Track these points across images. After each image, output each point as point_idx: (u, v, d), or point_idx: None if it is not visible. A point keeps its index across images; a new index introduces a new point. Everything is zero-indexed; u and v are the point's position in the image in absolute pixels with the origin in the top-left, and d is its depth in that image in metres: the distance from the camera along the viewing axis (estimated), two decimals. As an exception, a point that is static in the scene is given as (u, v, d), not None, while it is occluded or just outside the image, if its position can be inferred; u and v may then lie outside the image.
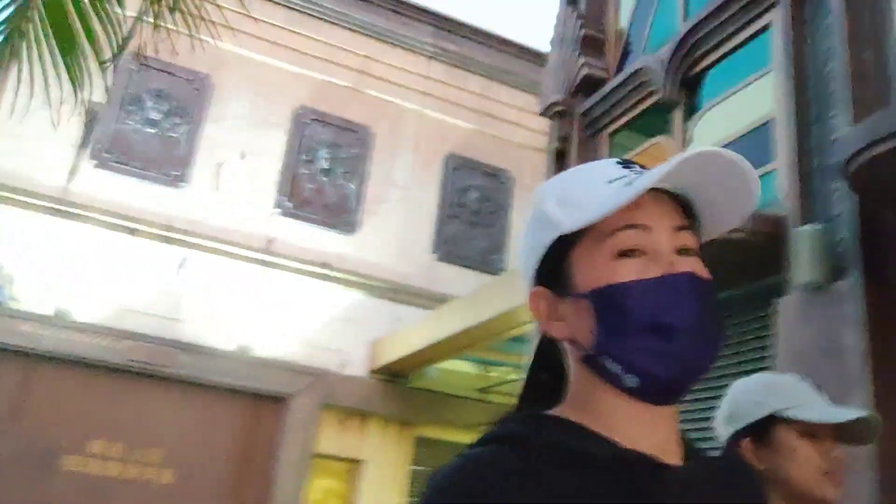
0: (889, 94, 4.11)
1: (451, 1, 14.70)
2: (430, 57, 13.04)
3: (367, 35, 12.59)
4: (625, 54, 6.93)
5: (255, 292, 10.70)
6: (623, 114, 6.51)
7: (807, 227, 4.04)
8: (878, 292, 3.76)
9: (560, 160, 6.96)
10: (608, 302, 0.75)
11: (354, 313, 11.29)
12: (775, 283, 4.34)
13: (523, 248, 0.85)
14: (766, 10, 5.02)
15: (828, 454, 1.47)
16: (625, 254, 0.76)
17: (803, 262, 3.97)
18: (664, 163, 0.74)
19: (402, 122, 12.57)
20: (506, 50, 13.56)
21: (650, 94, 6.10)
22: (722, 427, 1.59)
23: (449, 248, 12.30)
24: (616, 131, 6.69)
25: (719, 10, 5.40)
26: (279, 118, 11.60)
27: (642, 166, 0.79)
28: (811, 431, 1.47)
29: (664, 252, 0.76)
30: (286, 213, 11.35)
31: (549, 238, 0.79)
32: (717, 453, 0.90)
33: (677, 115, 5.88)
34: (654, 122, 6.23)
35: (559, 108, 6.96)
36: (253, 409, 10.29)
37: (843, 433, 1.49)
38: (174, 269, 10.38)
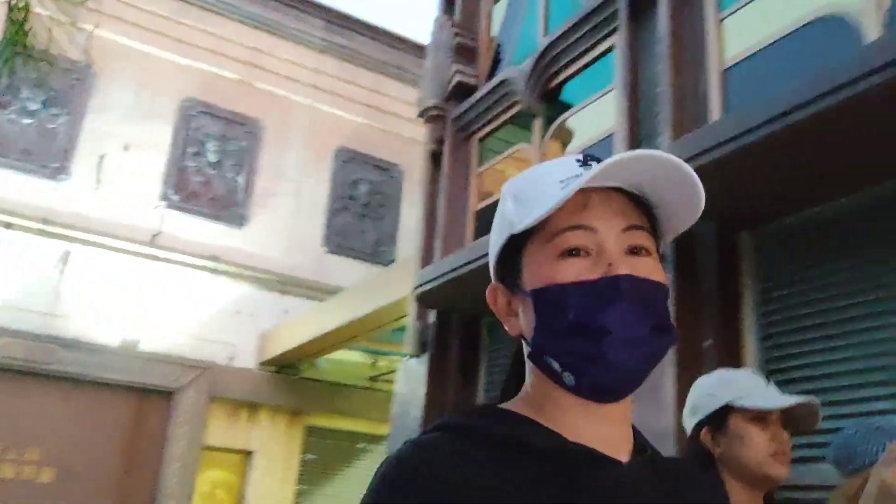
0: (705, 117, 4.66)
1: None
2: (322, 51, 13.16)
3: (257, 27, 12.59)
4: (495, 63, 7.29)
5: (141, 286, 10.62)
6: (491, 120, 6.89)
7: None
8: (688, 290, 4.30)
9: (435, 162, 7.33)
10: (547, 301, 0.76)
11: (243, 306, 11.38)
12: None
13: (489, 244, 0.86)
14: (611, 33, 5.52)
15: (776, 437, 1.63)
16: (569, 254, 0.76)
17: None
18: (604, 162, 0.75)
19: (292, 116, 12.66)
20: (397, 45, 13.83)
21: (515, 103, 6.49)
22: (687, 420, 1.75)
23: (339, 240, 12.53)
24: (485, 136, 7.07)
25: (572, 29, 5.85)
26: (165, 110, 11.48)
27: (598, 160, 0.79)
28: (760, 417, 1.63)
29: (608, 253, 0.76)
30: (173, 206, 11.27)
31: (504, 236, 0.81)
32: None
33: (538, 124, 6.32)
34: (519, 129, 6.64)
35: (434, 111, 7.29)
36: (139, 404, 10.25)
37: (789, 418, 1.65)
38: (54, 263, 10.17)
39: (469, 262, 5.67)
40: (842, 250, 3.85)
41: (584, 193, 0.75)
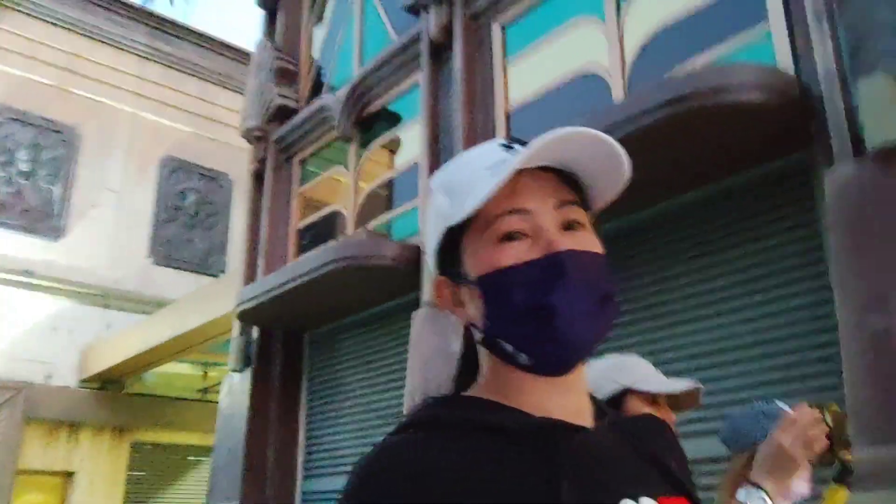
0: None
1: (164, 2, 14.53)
2: (145, 57, 12.84)
3: (73, 31, 12.10)
4: (316, 85, 7.58)
5: (-56, 304, 9.97)
6: (310, 143, 7.19)
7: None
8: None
9: (258, 181, 7.55)
10: (493, 287, 0.77)
11: (61, 321, 10.95)
12: (415, 299, 5.37)
13: (426, 240, 0.87)
14: (415, 70, 6.02)
15: (667, 417, 1.80)
16: (508, 238, 0.77)
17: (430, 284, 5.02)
18: (529, 145, 0.77)
19: (113, 124, 12.28)
20: (224, 53, 13.74)
21: (331, 128, 6.82)
22: None
23: (166, 251, 12.33)
24: (306, 158, 7.36)
25: (383, 64, 6.31)
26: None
27: (523, 143, 0.80)
28: (653, 400, 1.80)
29: (546, 232, 0.77)
30: (-20, 219, 10.64)
31: (441, 228, 0.81)
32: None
33: (353, 149, 6.72)
34: (336, 152, 6.98)
35: (257, 132, 7.51)
36: (-58, 430, 9.63)
37: (675, 400, 1.84)
38: None
39: (291, 280, 5.87)
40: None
41: (514, 176, 0.76)
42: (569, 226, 0.78)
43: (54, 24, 11.89)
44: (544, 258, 0.75)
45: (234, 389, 6.83)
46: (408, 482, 0.69)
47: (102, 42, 12.41)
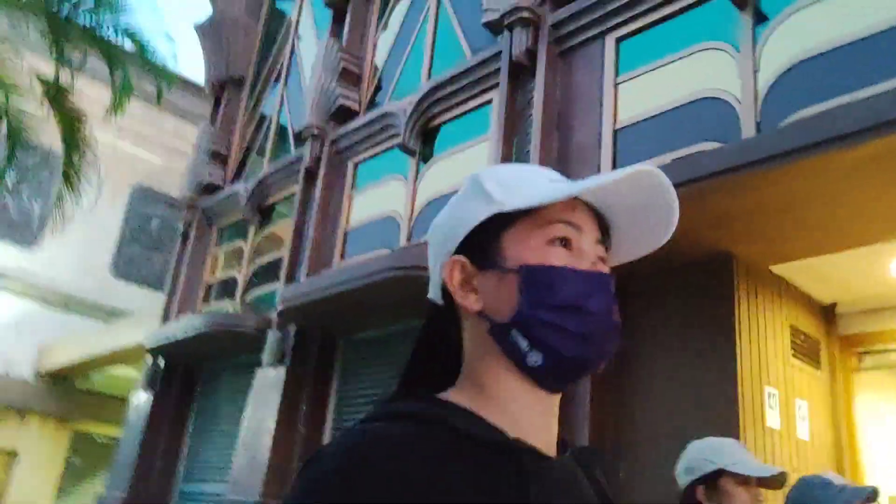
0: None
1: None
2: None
3: (68, 66, 13.87)
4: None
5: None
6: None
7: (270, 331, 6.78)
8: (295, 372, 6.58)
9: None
10: (538, 279, 0.79)
11: (25, 321, 12.69)
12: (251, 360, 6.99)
13: (447, 219, 0.87)
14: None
15: (756, 497, 2.07)
16: (560, 243, 0.81)
17: (268, 349, 6.75)
18: (603, 174, 0.81)
19: (94, 152, 14.04)
20: (200, 95, 15.53)
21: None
22: (682, 477, 2.15)
23: (127, 267, 14.09)
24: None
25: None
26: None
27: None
28: (745, 481, 2.03)
29: (589, 254, 0.82)
30: (-37, 225, 12.40)
31: (485, 213, 0.82)
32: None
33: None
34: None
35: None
36: None
37: (765, 483, 2.09)
38: None
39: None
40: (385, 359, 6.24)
41: (572, 197, 0.82)
42: (600, 260, 0.84)
43: (40, 54, 13.67)
44: (591, 273, 0.81)
45: (139, 408, 8.52)
46: (376, 480, 0.68)
47: (93, 77, 14.17)
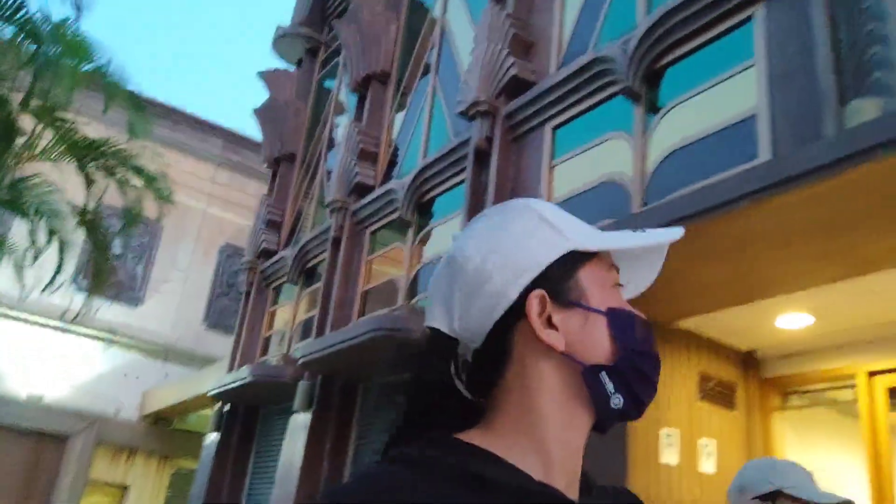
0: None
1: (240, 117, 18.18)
2: (218, 165, 16.50)
3: (163, 145, 15.86)
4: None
5: (53, 354, 13.71)
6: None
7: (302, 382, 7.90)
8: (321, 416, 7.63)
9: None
10: (623, 323, 0.79)
11: (131, 370, 14.53)
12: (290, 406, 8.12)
13: (511, 248, 0.80)
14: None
15: None
16: (617, 288, 0.82)
17: (298, 396, 7.84)
18: (657, 230, 0.83)
19: (187, 218, 15.92)
20: (281, 161, 17.23)
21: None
22: (735, 496, 2.11)
23: (217, 318, 15.77)
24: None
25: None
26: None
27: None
28: None
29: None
30: (81, 289, 14.41)
31: (561, 248, 0.80)
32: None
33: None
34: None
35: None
36: (36, 447, 13.31)
37: None
38: (-20, 332, 13.22)
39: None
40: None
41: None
42: None
43: (146, 139, 15.68)
44: (647, 320, 0.82)
45: (209, 448, 9.83)
46: None
47: (186, 153, 16.13)
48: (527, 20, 6.73)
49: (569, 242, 0.80)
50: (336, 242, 8.61)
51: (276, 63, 12.44)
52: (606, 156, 5.48)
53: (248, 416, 9.78)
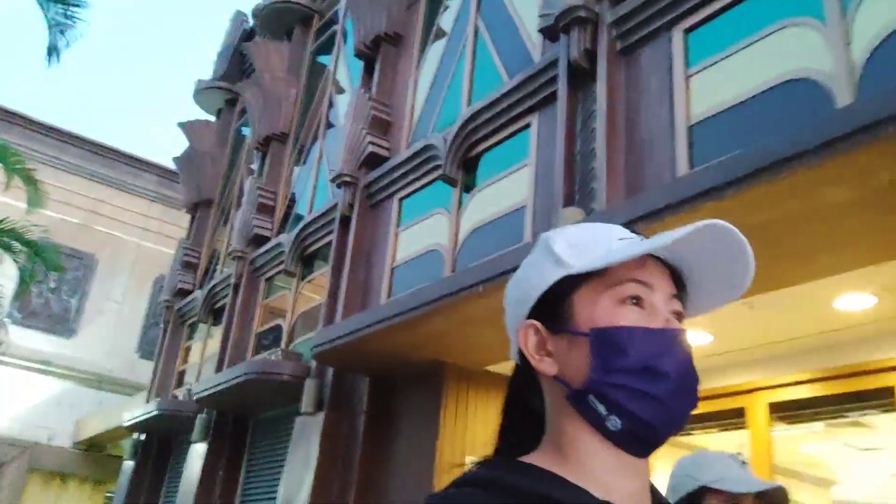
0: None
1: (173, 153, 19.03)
2: (152, 200, 17.31)
3: (96, 181, 16.64)
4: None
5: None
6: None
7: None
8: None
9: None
10: (609, 341, 0.77)
11: (64, 398, 15.22)
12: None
13: (518, 283, 0.86)
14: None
15: None
16: (630, 302, 0.79)
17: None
18: (673, 230, 0.78)
19: (122, 252, 16.70)
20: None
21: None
22: (669, 496, 1.78)
23: (150, 347, 16.49)
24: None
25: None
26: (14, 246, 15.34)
27: (642, 234, 0.84)
28: (735, 500, 1.80)
29: (662, 310, 0.80)
30: (16, 323, 15.11)
31: (555, 275, 0.81)
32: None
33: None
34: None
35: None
36: (-31, 474, 13.94)
37: (762, 498, 1.83)
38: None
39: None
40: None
41: (643, 255, 0.80)
42: (675, 315, 0.82)
43: (82, 177, 16.46)
44: (665, 330, 0.79)
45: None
46: None
47: (120, 189, 16.92)
48: (387, 102, 7.79)
49: (561, 269, 0.82)
50: (236, 288, 9.37)
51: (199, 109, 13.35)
52: (432, 228, 6.54)
53: (162, 445, 10.61)
